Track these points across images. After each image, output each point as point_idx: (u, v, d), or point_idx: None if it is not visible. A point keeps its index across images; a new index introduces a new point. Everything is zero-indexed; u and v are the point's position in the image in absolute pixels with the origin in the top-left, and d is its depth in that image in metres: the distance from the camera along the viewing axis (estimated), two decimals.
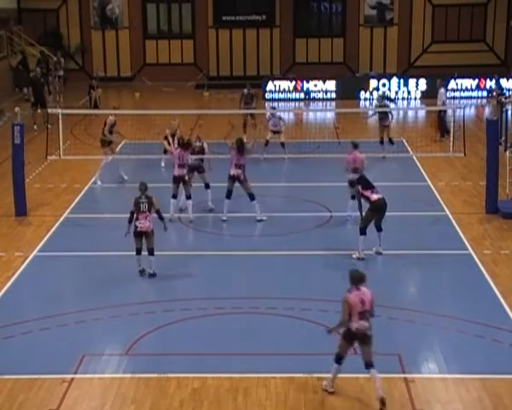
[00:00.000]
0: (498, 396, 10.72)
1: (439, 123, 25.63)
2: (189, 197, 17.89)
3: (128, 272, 14.74)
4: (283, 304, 13.41)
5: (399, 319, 13.01)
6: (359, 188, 15.51)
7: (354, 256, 15.41)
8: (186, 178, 17.81)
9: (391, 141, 23.47)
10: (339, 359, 10.75)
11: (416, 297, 14.28)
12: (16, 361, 11.72)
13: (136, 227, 14.61)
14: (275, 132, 23.37)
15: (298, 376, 11.24)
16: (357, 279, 10.65)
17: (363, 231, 15.38)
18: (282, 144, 23.09)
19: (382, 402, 10.40)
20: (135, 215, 14.59)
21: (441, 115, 25.62)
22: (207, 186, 18.71)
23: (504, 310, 13.31)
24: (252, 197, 17.82)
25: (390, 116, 23.71)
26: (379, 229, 15.54)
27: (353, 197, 17.08)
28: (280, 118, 23.66)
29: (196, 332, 12.65)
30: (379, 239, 15.61)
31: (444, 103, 25.55)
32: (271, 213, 18.43)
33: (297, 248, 16.22)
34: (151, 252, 14.72)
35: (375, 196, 15.30)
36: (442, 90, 25.94)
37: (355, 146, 17.53)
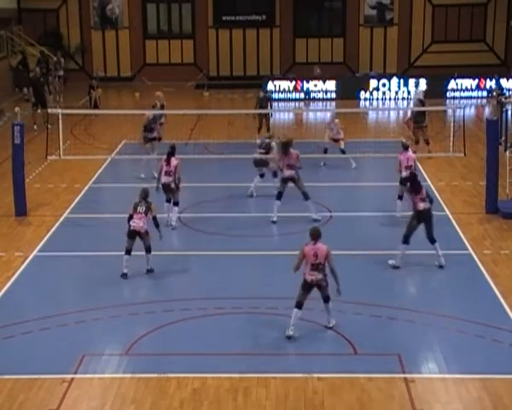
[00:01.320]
0: (498, 396, 10.72)
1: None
2: (175, 204, 17.45)
3: (128, 272, 14.72)
4: (283, 304, 13.39)
5: (399, 319, 13.01)
6: (410, 187, 15.10)
7: (390, 262, 15.03)
8: (172, 185, 17.27)
9: (427, 142, 23.19)
10: (298, 305, 12.23)
11: (416, 297, 14.28)
12: (16, 361, 11.72)
13: (129, 226, 14.65)
14: (335, 140, 22.48)
15: (298, 376, 11.25)
16: (313, 235, 12.21)
17: (406, 240, 14.85)
18: (343, 151, 22.32)
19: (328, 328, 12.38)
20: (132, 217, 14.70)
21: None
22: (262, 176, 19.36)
23: (504, 310, 13.32)
24: (306, 196, 17.72)
25: (426, 118, 23.55)
26: (432, 241, 14.96)
27: (401, 197, 17.47)
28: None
29: (196, 332, 12.65)
30: (436, 251, 15.01)
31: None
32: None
33: (297, 249, 16.15)
34: (148, 250, 14.77)
35: (421, 206, 14.80)
36: (418, 90, 26.21)
37: (406, 147, 17.82)
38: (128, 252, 14.65)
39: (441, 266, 14.99)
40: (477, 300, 13.80)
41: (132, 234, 14.64)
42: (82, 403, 10.68)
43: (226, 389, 10.96)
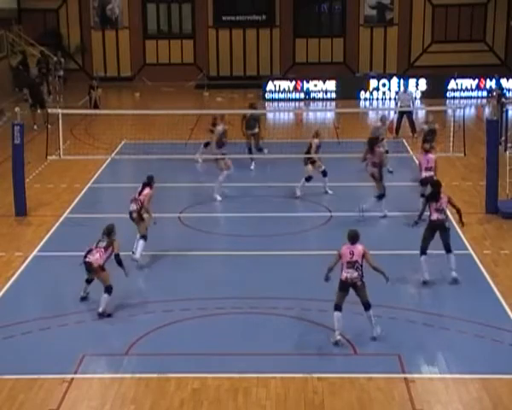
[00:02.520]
0: (498, 396, 10.72)
1: (411, 122, 25.68)
2: (142, 237, 15.27)
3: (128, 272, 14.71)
4: (283, 304, 13.41)
5: (399, 319, 13.01)
6: (429, 194, 14.89)
7: (422, 279, 14.43)
8: (135, 215, 15.25)
9: None
10: (337, 307, 12.13)
11: (416, 297, 14.28)
12: (16, 361, 11.72)
13: (84, 257, 13.26)
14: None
15: (298, 376, 11.25)
16: (349, 237, 12.34)
17: (423, 251, 14.43)
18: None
19: (375, 339, 12.17)
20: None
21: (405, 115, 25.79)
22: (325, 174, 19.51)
23: (504, 310, 13.32)
24: (380, 197, 17.87)
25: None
26: (448, 250, 14.44)
27: (423, 196, 17.25)
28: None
29: (196, 332, 12.65)
30: (449, 262, 14.45)
31: (412, 103, 25.91)
32: (271, 213, 18.45)
33: (297, 248, 16.22)
34: (106, 290, 13.14)
35: (434, 216, 14.38)
36: (409, 90, 26.40)
37: (427, 150, 18.00)
38: (87, 280, 13.57)
39: (455, 280, 14.38)
40: (477, 300, 13.79)
41: (86, 267, 13.26)
42: (82, 403, 10.68)
43: (226, 389, 10.96)
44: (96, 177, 21.68)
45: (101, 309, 13.07)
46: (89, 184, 21.02)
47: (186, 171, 20.99)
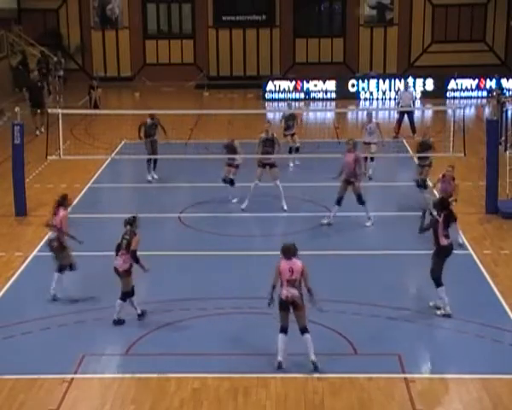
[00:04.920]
0: (498, 396, 10.73)
1: (411, 122, 25.75)
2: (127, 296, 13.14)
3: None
4: None
5: (399, 319, 13.01)
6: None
7: (438, 313, 13.20)
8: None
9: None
10: (283, 329, 11.40)
11: (416, 297, 14.28)
12: (16, 361, 11.72)
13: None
14: (367, 144, 20.78)
15: (298, 376, 11.25)
16: (284, 252, 11.42)
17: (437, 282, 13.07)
18: (372, 159, 20.75)
19: (315, 366, 11.29)
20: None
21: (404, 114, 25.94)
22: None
23: (504, 310, 13.32)
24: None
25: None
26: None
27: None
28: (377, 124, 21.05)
29: (196, 332, 12.65)
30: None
31: (414, 103, 26.05)
32: (271, 213, 18.45)
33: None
34: (121, 296, 12.86)
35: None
36: (411, 89, 26.51)
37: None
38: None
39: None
40: (477, 300, 13.79)
41: (114, 270, 12.98)
42: (82, 403, 10.69)
43: (226, 389, 10.97)
44: (96, 177, 21.68)
45: (115, 316, 12.78)
46: (89, 184, 21.02)
47: (186, 171, 20.99)
